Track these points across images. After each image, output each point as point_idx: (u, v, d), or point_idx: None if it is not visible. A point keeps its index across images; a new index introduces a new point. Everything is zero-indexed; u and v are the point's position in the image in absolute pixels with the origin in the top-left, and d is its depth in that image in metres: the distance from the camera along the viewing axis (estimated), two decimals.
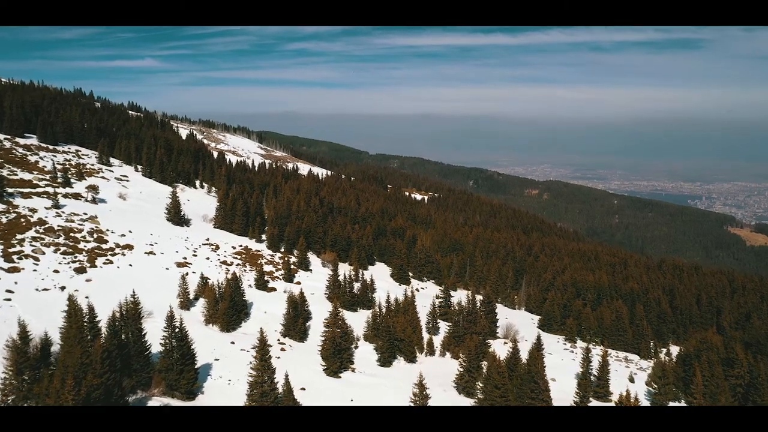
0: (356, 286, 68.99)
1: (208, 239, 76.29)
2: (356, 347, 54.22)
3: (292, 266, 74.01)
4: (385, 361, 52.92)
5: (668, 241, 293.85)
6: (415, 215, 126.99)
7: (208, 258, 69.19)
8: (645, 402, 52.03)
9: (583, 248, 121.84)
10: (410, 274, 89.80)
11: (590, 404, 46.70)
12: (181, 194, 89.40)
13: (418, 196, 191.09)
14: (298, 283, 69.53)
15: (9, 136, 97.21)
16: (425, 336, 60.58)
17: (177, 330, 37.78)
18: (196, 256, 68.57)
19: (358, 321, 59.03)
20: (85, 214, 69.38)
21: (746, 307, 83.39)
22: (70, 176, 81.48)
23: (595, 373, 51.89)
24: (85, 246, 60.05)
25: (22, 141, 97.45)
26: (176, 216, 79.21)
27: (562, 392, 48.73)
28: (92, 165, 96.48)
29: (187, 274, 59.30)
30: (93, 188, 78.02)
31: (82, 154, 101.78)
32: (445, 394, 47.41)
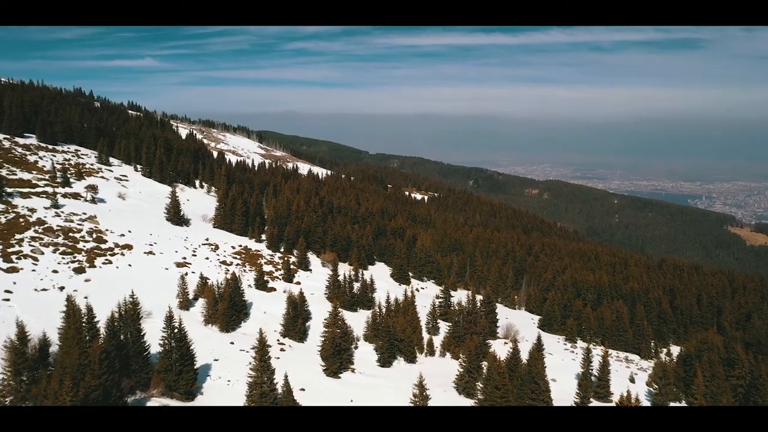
0: (356, 286, 68.84)
1: (207, 239, 76.14)
2: (356, 347, 54.07)
3: (291, 266, 73.86)
4: (385, 361, 52.77)
5: (668, 241, 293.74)
6: (415, 215, 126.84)
7: (207, 258, 69.04)
8: (646, 402, 51.89)
9: (583, 248, 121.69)
10: (410, 274, 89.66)
11: (591, 405, 46.55)
12: (180, 194, 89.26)
13: (418, 196, 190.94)
14: (298, 283, 69.38)
15: (8, 136, 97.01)
16: (425, 336, 60.43)
17: (176, 330, 37.62)
18: (195, 256, 68.41)
19: (357, 321, 58.89)
20: (85, 213, 69.22)
21: (747, 307, 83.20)
22: (69, 176, 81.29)
23: (596, 374, 51.78)
24: (84, 246, 59.89)
25: (21, 141, 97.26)
26: (176, 216, 79.05)
27: (563, 393, 48.59)
28: (91, 165, 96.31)
29: (186, 274, 59.15)
30: (92, 188, 77.85)
31: (82, 154, 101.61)
32: (445, 395, 47.26)
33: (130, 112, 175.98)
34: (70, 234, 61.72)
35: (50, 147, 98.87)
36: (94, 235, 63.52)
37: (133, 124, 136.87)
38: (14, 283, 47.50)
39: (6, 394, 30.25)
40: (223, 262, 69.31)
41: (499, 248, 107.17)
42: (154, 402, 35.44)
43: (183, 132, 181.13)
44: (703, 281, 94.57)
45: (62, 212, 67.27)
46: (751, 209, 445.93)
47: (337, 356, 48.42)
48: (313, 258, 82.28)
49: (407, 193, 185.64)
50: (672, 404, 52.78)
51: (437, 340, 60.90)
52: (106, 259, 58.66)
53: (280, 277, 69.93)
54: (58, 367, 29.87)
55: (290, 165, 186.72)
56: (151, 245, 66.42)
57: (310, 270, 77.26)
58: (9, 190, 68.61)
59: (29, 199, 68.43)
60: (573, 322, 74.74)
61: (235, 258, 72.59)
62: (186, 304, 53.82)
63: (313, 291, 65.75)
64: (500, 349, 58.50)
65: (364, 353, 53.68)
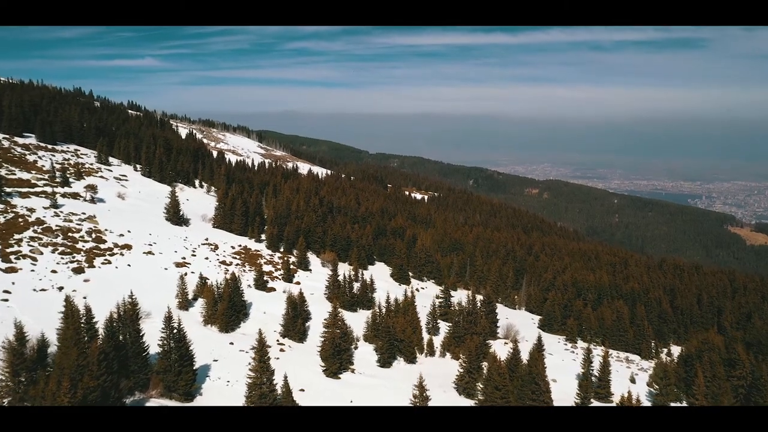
0: (356, 286, 68.70)
1: (207, 239, 75.99)
2: (356, 348, 53.94)
3: (291, 266, 73.71)
4: (385, 361, 52.62)
5: (668, 241, 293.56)
6: (415, 215, 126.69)
7: (207, 258, 68.89)
8: (646, 403, 51.73)
9: (583, 248, 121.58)
10: (410, 273, 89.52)
11: (592, 405, 46.40)
12: (180, 194, 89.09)
13: (418, 196, 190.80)
14: (298, 283, 69.22)
15: (7, 136, 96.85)
16: (425, 336, 60.29)
17: (175, 331, 37.47)
18: (195, 256, 68.26)
19: (357, 321, 58.76)
20: (84, 213, 69.07)
21: (747, 307, 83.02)
22: (68, 176, 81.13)
23: (596, 374, 51.63)
24: (83, 246, 59.74)
25: (20, 140, 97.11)
26: (175, 216, 78.89)
27: (563, 393, 48.46)
28: (91, 164, 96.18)
29: (185, 274, 58.99)
30: (91, 188, 77.70)
31: (81, 154, 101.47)
32: (445, 395, 47.11)
33: (129, 111, 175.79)
34: (69, 234, 61.56)
35: (49, 147, 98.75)
36: (93, 235, 63.37)
37: (133, 123, 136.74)
38: (13, 283, 47.34)
39: (4, 395, 30.08)
40: (223, 262, 69.16)
41: (499, 248, 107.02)
42: (153, 403, 35.30)
43: (183, 131, 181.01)
44: (703, 281, 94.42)
45: (61, 212, 67.12)
46: (751, 209, 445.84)
47: (336, 357, 48.27)
48: (312, 258, 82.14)
49: (407, 192, 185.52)
50: (673, 405, 52.64)
51: (437, 341, 60.76)
52: (105, 259, 58.50)
53: (280, 277, 69.79)
54: (56, 368, 29.70)
55: (290, 165, 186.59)
56: (151, 245, 66.27)
57: (310, 270, 77.12)
58: (8, 189, 68.47)
59: (28, 198, 68.29)
60: (573, 322, 74.61)
61: (235, 258, 72.44)
62: (185, 304, 53.66)
63: (312, 291, 65.60)
64: (500, 349, 58.35)
65: (364, 353, 53.54)
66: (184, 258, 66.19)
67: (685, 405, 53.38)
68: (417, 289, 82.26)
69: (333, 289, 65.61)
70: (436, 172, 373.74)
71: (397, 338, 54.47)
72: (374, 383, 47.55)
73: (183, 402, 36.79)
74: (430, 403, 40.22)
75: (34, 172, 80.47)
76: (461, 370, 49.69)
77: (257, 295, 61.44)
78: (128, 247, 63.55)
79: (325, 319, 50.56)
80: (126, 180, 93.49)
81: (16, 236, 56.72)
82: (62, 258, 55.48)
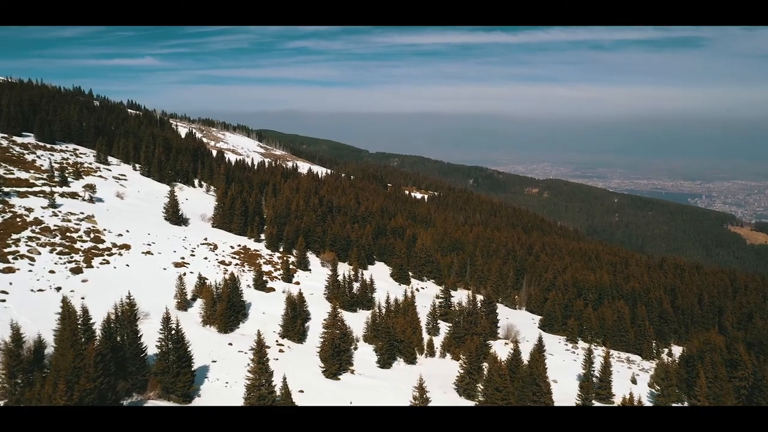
0: (356, 286, 68.40)
1: (206, 239, 75.67)
2: (355, 348, 53.64)
3: (290, 266, 73.41)
4: (385, 362, 52.33)
5: (668, 240, 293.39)
6: (415, 214, 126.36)
7: (206, 258, 68.57)
8: (648, 404, 51.43)
9: (583, 247, 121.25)
10: (410, 273, 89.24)
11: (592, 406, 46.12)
12: (179, 193, 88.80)
13: (418, 195, 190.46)
14: (297, 283, 68.91)
15: (6, 135, 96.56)
16: (425, 337, 60.01)
17: (173, 332, 37.18)
18: (194, 255, 67.94)
19: (357, 322, 58.47)
20: (82, 213, 68.75)
21: (748, 307, 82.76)
22: (67, 175, 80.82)
23: (597, 375, 51.36)
24: (81, 246, 59.42)
25: (19, 140, 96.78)
26: (174, 215, 78.57)
27: (564, 394, 48.21)
28: (90, 164, 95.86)
29: (184, 274, 58.68)
30: (90, 187, 77.39)
31: (80, 153, 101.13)
32: (445, 396, 46.84)
33: (129, 110, 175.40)
34: (68, 234, 61.25)
35: (48, 146, 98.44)
36: (92, 235, 63.05)
37: (132, 122, 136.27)
38: (10, 283, 47.00)
39: (0, 397, 29.82)
40: (222, 262, 68.85)
41: (499, 248, 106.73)
42: (151, 404, 34.99)
43: (182, 131, 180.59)
44: (704, 281, 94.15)
45: (60, 212, 66.79)
46: (751, 208, 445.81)
47: (336, 357, 47.98)
48: (312, 258, 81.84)
49: (407, 192, 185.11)
50: (674, 405, 52.36)
51: (437, 341, 60.48)
52: (104, 259, 58.19)
53: (279, 277, 69.48)
54: (53, 370, 29.43)
55: (290, 164, 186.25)
56: (149, 245, 65.95)
57: (310, 270, 76.82)
58: (6, 189, 68.17)
59: (26, 198, 67.96)
60: (574, 323, 74.34)
61: (234, 258, 72.14)
62: (184, 304, 53.31)
63: (312, 291, 65.29)
64: (501, 349, 58.09)
65: (364, 354, 53.25)
66: (183, 258, 65.89)
67: (687, 405, 53.13)
68: (417, 289, 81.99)
69: (332, 289, 65.31)
70: (436, 171, 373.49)
71: (396, 339, 54.17)
72: (374, 384, 47.26)
73: (181, 403, 36.48)
74: (430, 405, 39.94)
75: (32, 171, 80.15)
76: (461, 371, 49.41)
77: (256, 296, 61.13)
78: (127, 247, 63.23)
79: (324, 320, 50.28)
80: (125, 179, 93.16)
81: (14, 236, 56.40)
82: (60, 258, 55.16)
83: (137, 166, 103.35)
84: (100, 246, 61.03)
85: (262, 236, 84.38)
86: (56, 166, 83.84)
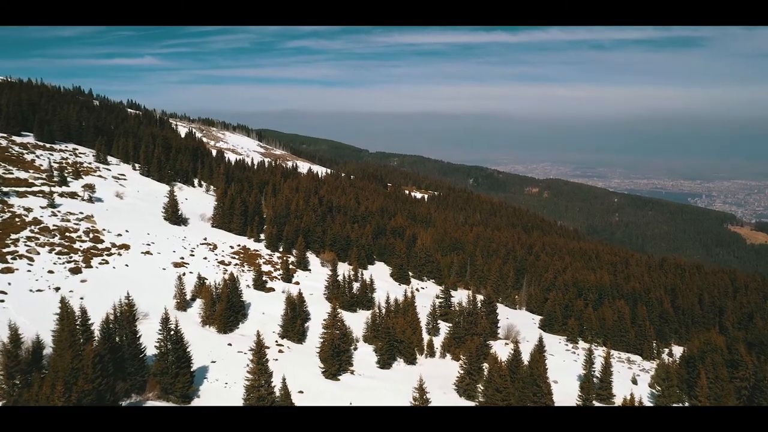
0: (355, 286, 68.23)
1: (205, 239, 75.50)
2: (355, 349, 53.48)
3: (290, 266, 73.26)
4: (385, 362, 52.17)
5: (668, 240, 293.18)
6: (415, 214, 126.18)
7: (205, 258, 68.40)
8: (649, 405, 51.28)
9: (584, 247, 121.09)
10: (410, 273, 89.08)
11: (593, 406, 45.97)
12: (179, 193, 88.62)
13: (418, 195, 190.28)
14: (297, 283, 68.74)
15: (5, 135, 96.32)
16: (425, 337, 59.86)
17: (172, 332, 37.02)
18: (193, 255, 67.78)
19: (357, 322, 58.33)
20: (81, 213, 68.58)
21: (749, 307, 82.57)
22: (66, 175, 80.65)
23: (598, 375, 51.17)
24: (80, 246, 59.27)
25: (18, 139, 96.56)
26: (174, 215, 78.38)
27: (565, 394, 48.07)
28: (89, 163, 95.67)
29: (184, 274, 58.56)
30: (89, 187, 77.20)
31: (80, 153, 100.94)
32: (445, 397, 46.70)
33: (129, 110, 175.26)
34: (67, 234, 61.09)
35: (48, 146, 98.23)
36: (91, 235, 62.89)
37: (132, 122, 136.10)
38: (9, 283, 46.84)
39: None
40: (222, 262, 68.69)
41: (499, 247, 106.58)
42: (150, 405, 34.82)
43: (182, 130, 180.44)
44: (704, 281, 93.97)
45: (59, 212, 66.62)
46: (751, 208, 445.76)
47: (336, 358, 47.82)
48: (312, 258, 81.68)
49: (407, 191, 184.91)
50: (675, 405, 52.25)
51: (437, 341, 60.32)
52: (103, 259, 58.04)
53: (279, 277, 69.32)
54: (51, 371, 29.26)
55: (290, 163, 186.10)
56: (149, 245, 65.79)
57: (309, 270, 76.66)
58: (5, 189, 68.00)
59: (25, 198, 67.79)
60: (574, 323, 74.19)
61: (234, 258, 71.98)
62: (183, 304, 53.16)
63: (312, 291, 65.12)
64: (501, 350, 57.93)
65: (364, 354, 53.10)
66: (182, 258, 65.73)
67: (688, 405, 53.00)
68: (417, 289, 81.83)
69: (332, 290, 65.16)
70: (436, 171, 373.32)
71: (396, 339, 54.01)
72: (374, 385, 47.09)
73: (180, 404, 36.31)
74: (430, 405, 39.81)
75: (31, 171, 79.97)
76: (462, 372, 49.26)
77: (256, 296, 60.98)
78: (126, 247, 63.07)
79: (324, 320, 50.12)
80: (124, 179, 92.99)
81: (13, 236, 56.24)
82: (59, 258, 55.00)
83: (137, 165, 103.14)
84: (99, 246, 60.87)
85: (262, 236, 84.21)
86: (55, 165, 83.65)
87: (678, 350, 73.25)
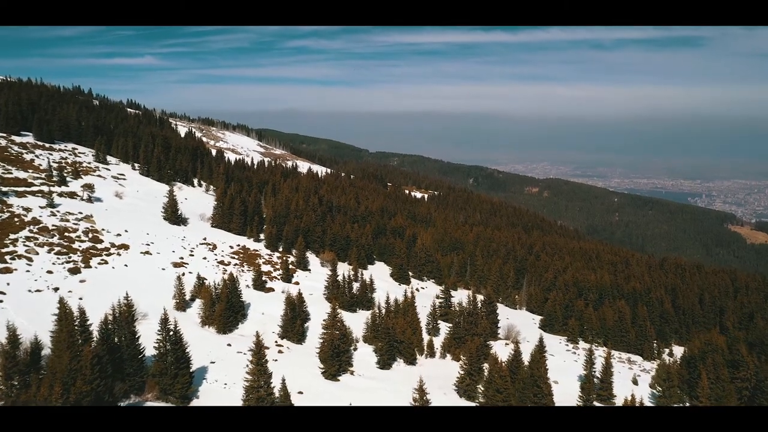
0: (355, 286, 68.09)
1: (205, 239, 75.35)
2: (355, 349, 53.35)
3: (290, 266, 73.12)
4: (385, 363, 52.03)
5: (668, 239, 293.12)
6: (415, 214, 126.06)
7: (205, 258, 68.26)
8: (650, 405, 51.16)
9: (584, 247, 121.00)
10: (410, 273, 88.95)
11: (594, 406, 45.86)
12: (178, 193, 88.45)
13: (418, 195, 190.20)
14: (297, 283, 68.61)
15: (5, 134, 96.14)
16: (425, 337, 59.73)
17: (171, 333, 36.85)
18: (192, 255, 67.63)
19: (357, 322, 58.19)
20: (81, 213, 68.44)
21: (750, 307, 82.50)
22: (65, 174, 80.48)
23: (599, 376, 50.99)
24: (79, 246, 59.13)
25: (18, 139, 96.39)
26: (173, 215, 78.22)
27: (565, 395, 47.95)
28: (89, 163, 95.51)
29: (183, 274, 58.42)
30: (89, 187, 77.06)
31: (79, 152, 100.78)
32: (445, 398, 46.57)
33: (128, 110, 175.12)
34: (66, 234, 60.94)
35: (47, 145, 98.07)
36: (90, 235, 62.75)
37: (132, 122, 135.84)
38: (8, 284, 46.72)
39: None
40: (221, 262, 68.55)
41: (499, 247, 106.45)
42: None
43: (182, 130, 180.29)
44: (705, 280, 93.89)
45: (58, 211, 66.47)
46: (751, 207, 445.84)
47: (335, 358, 47.68)
48: (312, 257, 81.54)
49: (407, 191, 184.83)
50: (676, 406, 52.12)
51: (437, 342, 60.18)
52: (102, 260, 57.90)
53: (279, 277, 69.18)
54: (49, 372, 29.14)
55: (290, 163, 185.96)
56: (148, 245, 65.65)
57: (309, 270, 76.52)
58: (4, 189, 67.88)
59: (25, 198, 67.65)
60: (575, 323, 74.06)
61: (233, 258, 71.83)
62: (183, 305, 53.03)
63: (311, 291, 64.99)
64: (501, 350, 57.82)
65: (363, 355, 52.96)
66: (181, 258, 65.59)
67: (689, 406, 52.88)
68: (417, 289, 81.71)
69: (332, 290, 65.03)
70: (436, 170, 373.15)
71: (396, 339, 53.88)
72: (374, 385, 46.96)
73: (179, 405, 36.18)
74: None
75: (30, 171, 79.82)
76: (462, 372, 49.12)
77: (256, 296, 60.84)
78: (125, 247, 62.93)
79: (324, 320, 49.98)
80: (124, 179, 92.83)
81: (12, 236, 56.11)
82: (58, 258, 54.87)
83: (136, 165, 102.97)
84: (99, 246, 60.73)
85: (262, 236, 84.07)
86: (55, 165, 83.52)
87: (678, 350, 73.15)
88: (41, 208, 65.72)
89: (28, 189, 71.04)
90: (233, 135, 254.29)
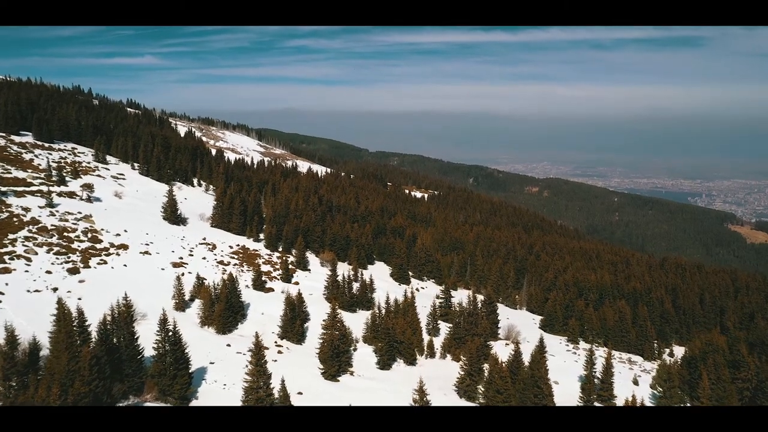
0: (355, 286, 67.96)
1: (204, 239, 75.22)
2: (355, 349, 53.23)
3: (290, 266, 73.00)
4: (385, 363, 51.92)
5: (668, 239, 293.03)
6: (415, 213, 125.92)
7: (204, 258, 68.12)
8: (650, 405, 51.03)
9: (584, 247, 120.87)
10: (410, 273, 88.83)
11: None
12: (178, 192, 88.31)
13: (418, 194, 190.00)
14: (296, 283, 68.48)
15: (4, 134, 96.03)
16: (425, 338, 59.61)
17: (171, 333, 36.76)
18: (192, 255, 67.50)
19: (357, 322, 58.08)
20: (80, 213, 68.30)
21: (750, 307, 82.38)
22: (65, 174, 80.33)
23: (599, 376, 50.82)
24: (78, 246, 59.01)
25: (17, 138, 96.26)
26: (173, 215, 78.09)
27: (566, 395, 47.84)
28: (88, 163, 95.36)
29: (182, 274, 58.29)
30: (88, 187, 76.93)
31: (78, 152, 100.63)
32: (445, 398, 46.48)
33: (128, 109, 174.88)
34: (65, 234, 60.82)
35: (46, 145, 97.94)
36: (89, 235, 62.63)
37: (131, 121, 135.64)
38: (6, 284, 46.62)
39: None
40: (221, 262, 68.43)
41: (500, 247, 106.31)
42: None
43: (182, 130, 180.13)
44: (705, 280, 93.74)
45: (57, 211, 66.35)
46: (751, 207, 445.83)
47: (335, 359, 47.57)
48: (311, 257, 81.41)
49: (407, 191, 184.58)
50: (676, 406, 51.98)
51: (438, 342, 60.07)
52: (101, 260, 57.78)
53: (278, 277, 69.05)
54: (47, 372, 29.04)
55: (290, 163, 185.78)
56: (147, 245, 65.53)
57: (309, 270, 76.39)
58: (3, 188, 67.77)
59: (24, 197, 67.52)
60: (575, 323, 73.94)
61: (233, 258, 71.70)
62: (182, 305, 52.90)
63: (311, 291, 64.86)
64: (502, 350, 57.71)
65: (363, 355, 52.85)
66: (181, 258, 65.46)
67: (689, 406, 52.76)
68: (417, 289, 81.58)
69: (332, 290, 64.90)
70: (436, 170, 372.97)
71: (396, 339, 53.77)
72: (374, 386, 46.86)
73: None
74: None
75: (30, 170, 79.68)
76: (462, 373, 49.01)
77: (255, 296, 60.71)
78: (125, 247, 62.81)
79: (323, 320, 49.88)
80: (123, 179, 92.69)
81: (11, 236, 55.99)
82: (57, 258, 54.75)
83: (136, 165, 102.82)
84: (98, 246, 60.61)
85: (261, 236, 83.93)
86: (54, 165, 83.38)
87: (679, 350, 73.05)
88: (40, 207, 65.60)
89: (27, 189, 70.91)
90: (233, 135, 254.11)
